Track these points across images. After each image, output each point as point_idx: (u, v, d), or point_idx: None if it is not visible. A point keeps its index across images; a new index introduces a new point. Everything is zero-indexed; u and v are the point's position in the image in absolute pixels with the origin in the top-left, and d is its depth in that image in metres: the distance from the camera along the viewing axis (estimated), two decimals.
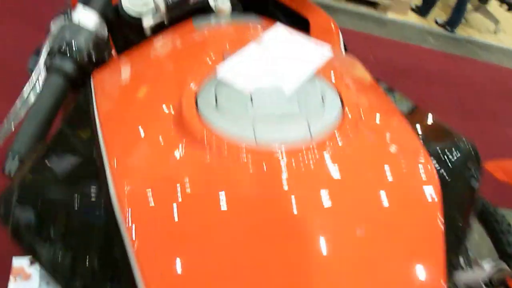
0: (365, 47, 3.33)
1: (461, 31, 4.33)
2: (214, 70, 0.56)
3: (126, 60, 0.71)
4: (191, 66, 0.60)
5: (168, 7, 0.76)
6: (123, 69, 0.68)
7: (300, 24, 0.92)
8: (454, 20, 4.22)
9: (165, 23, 0.78)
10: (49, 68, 0.64)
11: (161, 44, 0.72)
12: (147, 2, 0.77)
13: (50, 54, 0.64)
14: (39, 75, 0.65)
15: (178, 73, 0.61)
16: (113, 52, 0.76)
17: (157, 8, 0.76)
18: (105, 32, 0.70)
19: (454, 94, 3.24)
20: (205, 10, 0.81)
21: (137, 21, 0.77)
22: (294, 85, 0.55)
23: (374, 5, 4.04)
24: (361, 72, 0.69)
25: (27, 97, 0.64)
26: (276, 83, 0.55)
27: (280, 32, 0.68)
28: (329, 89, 0.55)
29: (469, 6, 4.34)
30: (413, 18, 4.27)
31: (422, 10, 4.35)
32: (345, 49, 0.91)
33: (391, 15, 4.13)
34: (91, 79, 0.65)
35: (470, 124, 2.93)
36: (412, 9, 4.37)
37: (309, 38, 0.70)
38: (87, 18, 0.67)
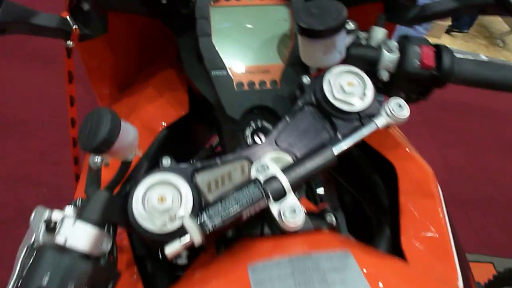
0: None
1: (498, 54, 4.23)
2: None
3: None
4: None
5: (208, 235, 0.55)
6: None
7: (384, 170, 0.83)
8: (464, 21, 4.14)
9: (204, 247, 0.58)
10: None
11: None
12: (170, 210, 0.58)
13: None
14: None
15: None
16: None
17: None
18: (107, 247, 0.55)
19: (493, 127, 3.17)
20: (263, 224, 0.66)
21: (156, 238, 0.57)
22: None
23: None
24: None
25: None
26: None
27: None
28: None
29: (505, 27, 4.24)
30: (447, 42, 4.20)
31: (461, 26, 4.26)
32: None
33: None
34: None
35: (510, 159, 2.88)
36: (449, 30, 4.30)
37: None
38: (78, 237, 0.51)
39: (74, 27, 0.71)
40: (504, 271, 1.92)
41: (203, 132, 1.07)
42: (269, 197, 0.57)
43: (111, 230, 0.63)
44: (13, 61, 3.02)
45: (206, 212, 0.55)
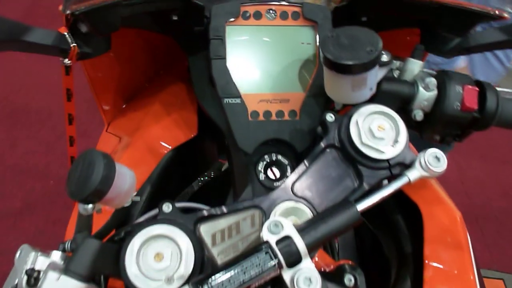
0: None
1: None
2: None
3: None
4: None
5: None
6: None
7: (408, 210, 0.75)
8: None
9: None
10: None
11: None
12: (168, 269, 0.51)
13: None
14: None
15: None
16: None
17: None
18: None
19: (511, 139, 3.04)
20: None
21: None
22: None
23: None
24: None
25: None
26: None
27: None
28: None
29: None
30: None
31: None
32: None
33: None
34: None
35: None
36: None
37: None
38: None
39: (72, 45, 0.63)
40: None
41: (211, 151, 0.99)
42: (282, 266, 0.49)
43: (103, 280, 0.57)
44: None
45: (207, 284, 0.47)
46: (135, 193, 0.55)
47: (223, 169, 1.04)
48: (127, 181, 0.52)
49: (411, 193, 0.73)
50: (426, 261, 0.67)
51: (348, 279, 0.60)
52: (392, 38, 0.80)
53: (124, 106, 0.94)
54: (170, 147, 0.80)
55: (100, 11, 0.61)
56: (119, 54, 0.84)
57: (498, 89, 0.68)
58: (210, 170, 1.05)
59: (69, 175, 0.51)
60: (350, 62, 0.57)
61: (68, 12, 0.59)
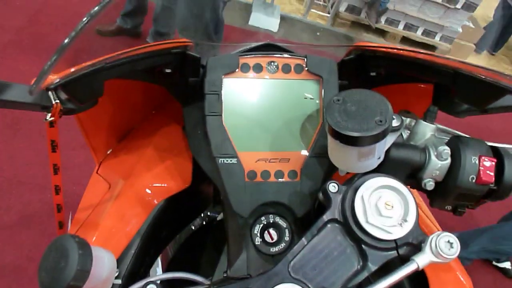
0: None
1: None
2: None
3: None
4: None
5: None
6: None
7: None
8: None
9: None
10: None
11: None
12: None
13: None
14: None
15: None
16: None
17: None
18: None
19: None
20: None
21: None
22: None
23: (431, 49, 3.79)
24: None
25: None
26: None
27: None
28: None
29: None
30: (472, 61, 3.99)
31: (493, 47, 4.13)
32: None
33: None
34: None
35: None
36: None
37: None
38: None
39: (54, 102, 0.58)
40: None
41: (206, 196, 0.94)
42: None
43: None
44: (30, 55, 2.93)
45: None
46: (116, 274, 0.51)
47: (218, 219, 0.99)
48: (106, 268, 0.47)
49: None
50: None
51: None
52: (404, 89, 0.74)
53: (116, 145, 0.89)
54: (161, 198, 0.75)
55: (80, 80, 0.56)
56: (110, 96, 0.79)
57: None
58: (204, 217, 1.00)
59: (41, 263, 0.46)
60: (357, 134, 0.52)
61: (42, 88, 0.54)
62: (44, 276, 0.44)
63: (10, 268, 2.01)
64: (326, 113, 0.55)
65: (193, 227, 1.05)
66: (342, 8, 4.34)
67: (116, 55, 0.58)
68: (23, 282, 1.96)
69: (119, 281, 0.53)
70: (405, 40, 4.37)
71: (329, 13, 4.38)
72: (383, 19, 4.30)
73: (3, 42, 2.92)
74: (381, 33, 4.42)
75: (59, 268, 0.43)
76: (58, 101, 0.58)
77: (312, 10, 4.32)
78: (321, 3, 4.53)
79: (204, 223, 0.99)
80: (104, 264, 0.47)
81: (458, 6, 3.99)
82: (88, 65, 0.56)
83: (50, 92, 0.58)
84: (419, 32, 4.33)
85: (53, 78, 0.55)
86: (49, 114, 0.60)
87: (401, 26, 4.33)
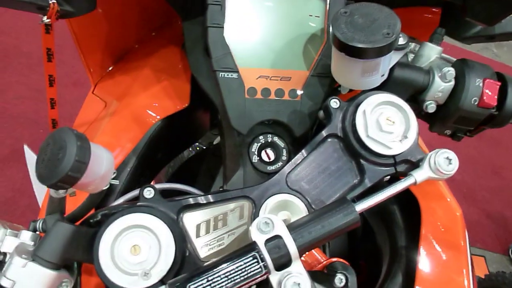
0: None
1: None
2: None
3: None
4: None
5: None
6: None
7: (405, 201, 0.71)
8: None
9: None
10: None
11: None
12: (144, 263, 0.47)
13: None
14: None
15: None
16: None
17: None
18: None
19: None
20: None
21: None
22: None
23: None
24: None
25: None
26: None
27: None
28: None
29: None
30: None
31: None
32: None
33: None
34: None
35: None
36: None
37: None
38: (29, 283, 0.44)
39: (51, 1, 0.55)
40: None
41: (204, 121, 0.93)
42: (269, 271, 0.45)
43: (76, 266, 0.52)
44: None
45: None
46: (113, 175, 0.50)
47: (214, 143, 0.99)
48: (104, 165, 0.47)
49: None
50: (420, 260, 0.64)
51: (339, 280, 0.56)
52: (409, 15, 0.72)
53: (112, 67, 0.87)
54: (158, 117, 0.74)
55: None
56: (108, 10, 0.76)
57: None
58: (201, 141, 0.99)
59: (39, 155, 0.45)
60: (363, 46, 0.51)
61: None
62: (41, 167, 0.44)
63: (1, 200, 2.03)
64: (332, 25, 0.53)
65: (186, 158, 1.05)
66: None
67: None
68: (16, 214, 1.98)
69: (116, 182, 0.53)
70: None
71: None
72: None
73: None
74: None
75: (57, 159, 0.42)
76: (54, 1, 0.56)
77: None
78: None
79: (198, 149, 0.99)
80: (103, 159, 0.46)
81: None
82: None
83: None
84: None
85: None
86: (45, 17, 0.57)
87: None
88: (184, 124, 0.83)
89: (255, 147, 0.65)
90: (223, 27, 0.63)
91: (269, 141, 0.66)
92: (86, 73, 0.86)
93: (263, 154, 0.66)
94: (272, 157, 0.66)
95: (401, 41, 0.59)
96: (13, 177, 2.08)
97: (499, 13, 0.59)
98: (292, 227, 0.47)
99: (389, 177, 0.56)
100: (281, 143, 0.66)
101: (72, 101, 2.25)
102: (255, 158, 0.65)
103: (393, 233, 0.73)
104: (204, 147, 1.00)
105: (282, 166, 0.61)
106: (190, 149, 1.06)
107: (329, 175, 0.56)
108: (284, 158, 0.65)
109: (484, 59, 2.92)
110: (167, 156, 0.87)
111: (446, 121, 0.61)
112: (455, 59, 0.65)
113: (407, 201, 0.69)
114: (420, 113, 0.63)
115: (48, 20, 0.58)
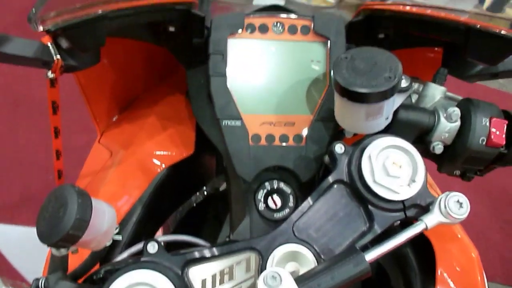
0: None
1: None
2: None
3: None
4: None
5: None
6: None
7: (419, 244, 0.68)
8: None
9: None
10: None
11: None
12: None
13: None
14: None
15: None
16: None
17: None
18: None
19: None
20: None
21: None
22: None
23: None
24: None
25: None
26: None
27: None
28: None
29: None
30: None
31: None
32: None
33: None
34: None
35: None
36: None
37: None
38: None
39: (56, 57, 0.57)
40: None
41: (209, 167, 0.93)
42: None
43: None
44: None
45: None
46: (116, 231, 0.49)
47: (221, 189, 0.98)
48: (106, 221, 0.46)
49: None
50: None
51: None
52: (411, 55, 0.72)
53: (118, 115, 0.88)
54: (164, 166, 0.74)
55: (81, 26, 0.54)
56: (113, 60, 0.77)
57: None
58: (207, 188, 0.99)
59: (40, 213, 0.45)
60: (365, 90, 0.50)
61: (41, 29, 0.53)
62: (42, 225, 0.43)
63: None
64: (333, 70, 0.53)
65: (194, 204, 1.05)
66: None
67: (118, 2, 0.56)
68: None
69: (119, 237, 0.52)
70: None
71: None
72: None
73: (6, 23, 2.89)
74: None
75: (58, 217, 0.42)
76: (59, 56, 0.57)
77: None
78: None
79: (205, 194, 0.98)
80: (105, 216, 0.46)
81: None
82: (89, 6, 0.55)
83: (51, 47, 0.56)
84: None
85: (55, 20, 0.54)
86: (50, 71, 0.58)
87: None
88: (190, 171, 0.83)
89: (261, 194, 0.64)
90: (225, 76, 0.64)
91: (275, 187, 0.65)
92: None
93: (269, 201, 0.65)
94: (279, 203, 0.65)
95: (404, 83, 0.59)
96: (22, 224, 2.08)
97: (500, 53, 0.59)
98: (301, 280, 0.45)
99: (399, 222, 0.55)
100: (287, 189, 0.65)
101: (81, 148, 2.29)
102: (261, 206, 0.64)
103: (408, 276, 0.71)
104: (212, 192, 0.99)
105: (290, 213, 0.60)
106: (198, 193, 1.06)
107: (337, 222, 0.54)
108: (291, 204, 0.64)
109: (490, 90, 2.91)
110: (173, 203, 0.87)
111: (454, 162, 0.60)
112: (460, 98, 0.64)
113: (421, 243, 0.67)
114: (428, 154, 0.62)
115: (53, 75, 0.58)
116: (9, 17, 2.94)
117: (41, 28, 0.53)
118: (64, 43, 0.57)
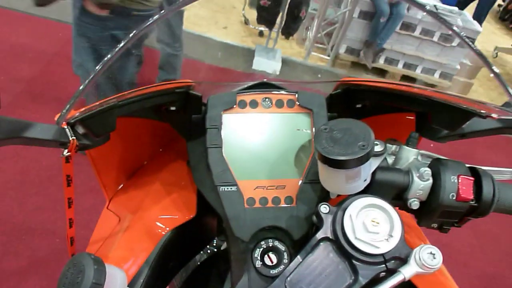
0: None
1: None
2: None
3: None
4: None
5: None
6: None
7: None
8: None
9: None
10: None
11: None
12: None
13: None
14: None
15: None
16: None
17: None
18: None
19: None
20: None
21: None
22: None
23: (432, 87, 3.90)
24: None
25: None
26: None
27: None
28: None
29: None
30: None
31: None
32: None
33: None
34: None
35: None
36: None
37: None
38: None
39: (71, 138, 0.65)
40: None
41: (211, 227, 0.99)
42: None
43: None
44: (41, 104, 3.05)
45: None
46: None
47: (222, 248, 1.03)
48: (118, 284, 0.52)
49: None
50: None
51: None
52: (389, 119, 0.80)
53: (125, 182, 0.95)
54: (168, 229, 0.80)
55: (95, 116, 0.63)
56: (121, 136, 0.85)
57: (493, 169, 0.68)
58: (209, 247, 1.04)
59: (61, 278, 0.51)
60: (342, 158, 0.58)
61: (64, 124, 0.61)
62: None
63: None
64: (314, 140, 0.61)
65: (198, 263, 1.09)
66: (341, 50, 4.51)
67: (128, 93, 0.65)
68: None
69: None
70: (405, 78, 4.50)
71: (329, 56, 4.55)
72: (382, 59, 4.46)
73: (15, 92, 3.05)
74: (381, 72, 4.55)
75: (76, 282, 0.48)
76: (74, 137, 0.65)
77: (312, 53, 4.49)
78: (321, 46, 4.70)
79: (209, 252, 1.03)
80: (117, 280, 0.52)
81: (454, 44, 4.16)
82: (103, 102, 0.64)
83: (67, 130, 0.65)
84: (418, 70, 4.48)
85: (73, 114, 0.62)
86: (66, 150, 0.66)
87: (400, 65, 4.49)
88: (193, 232, 0.89)
89: (257, 252, 0.70)
90: (221, 147, 0.72)
91: (271, 245, 0.71)
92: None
93: (265, 258, 0.70)
94: (275, 260, 0.70)
95: (378, 148, 0.66)
96: None
97: (458, 121, 0.67)
98: None
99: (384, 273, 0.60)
100: (282, 247, 0.71)
101: (89, 209, 2.33)
102: (258, 263, 0.69)
103: None
104: (215, 250, 1.04)
105: (285, 269, 0.66)
106: (202, 252, 1.11)
107: (325, 277, 0.60)
108: (285, 261, 0.70)
109: None
110: (178, 263, 0.92)
111: (431, 216, 0.66)
112: (434, 156, 0.71)
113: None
114: (407, 209, 0.68)
115: (68, 154, 0.66)
116: (19, 87, 3.10)
117: (64, 123, 0.62)
118: (80, 130, 0.66)
